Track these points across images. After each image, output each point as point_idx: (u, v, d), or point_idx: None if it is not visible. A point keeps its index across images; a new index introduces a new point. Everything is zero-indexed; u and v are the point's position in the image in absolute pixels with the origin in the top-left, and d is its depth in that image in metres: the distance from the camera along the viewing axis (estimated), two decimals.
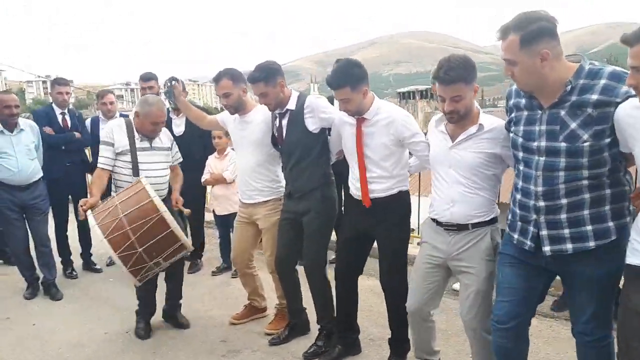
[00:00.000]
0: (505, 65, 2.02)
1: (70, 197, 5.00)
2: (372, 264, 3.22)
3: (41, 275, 4.55)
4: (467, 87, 2.28)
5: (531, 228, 2.12)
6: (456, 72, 2.25)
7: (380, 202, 2.83)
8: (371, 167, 2.83)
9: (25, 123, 4.48)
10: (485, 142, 2.36)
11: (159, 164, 3.55)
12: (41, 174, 4.48)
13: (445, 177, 2.46)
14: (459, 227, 2.44)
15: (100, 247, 5.29)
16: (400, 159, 2.83)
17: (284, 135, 3.17)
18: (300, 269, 3.35)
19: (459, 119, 2.36)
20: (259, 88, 3.04)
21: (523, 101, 2.13)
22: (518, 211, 2.16)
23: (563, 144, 1.96)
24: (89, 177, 5.30)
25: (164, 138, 3.63)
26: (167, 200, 3.48)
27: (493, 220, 2.44)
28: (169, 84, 3.66)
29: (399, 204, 2.87)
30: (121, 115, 5.03)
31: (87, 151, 5.28)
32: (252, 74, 3.06)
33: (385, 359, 3.07)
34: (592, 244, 2.00)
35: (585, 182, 1.97)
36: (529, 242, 2.13)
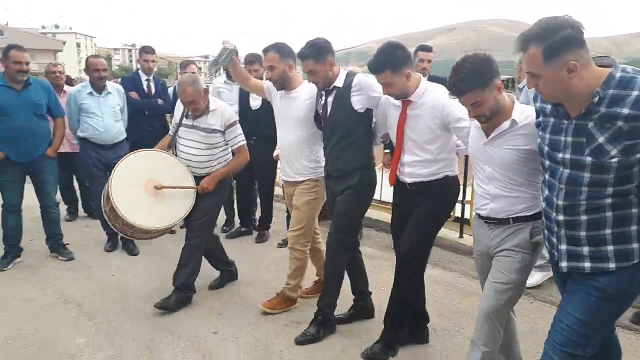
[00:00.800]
0: (528, 77, 1.87)
1: None
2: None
3: None
4: (484, 91, 2.14)
5: (554, 240, 2.00)
6: (465, 83, 2.14)
7: (424, 186, 2.77)
8: (416, 151, 2.76)
9: (113, 86, 4.77)
10: (521, 137, 2.21)
11: (194, 142, 3.58)
12: (125, 136, 4.77)
13: (483, 173, 2.37)
14: (499, 222, 2.36)
15: None
16: (447, 143, 2.74)
17: (328, 112, 3.11)
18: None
19: (488, 120, 2.24)
20: (308, 65, 3.00)
21: (549, 107, 1.96)
22: (545, 220, 2.06)
23: (589, 159, 1.79)
24: None
25: (214, 119, 3.55)
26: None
27: (537, 215, 2.28)
28: (229, 55, 3.33)
29: (444, 188, 2.79)
30: None
31: (168, 118, 5.53)
32: (302, 50, 3.01)
33: (450, 350, 3.05)
34: (612, 265, 1.85)
35: (609, 200, 1.81)
36: (556, 253, 2.01)
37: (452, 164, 2.82)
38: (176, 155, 3.71)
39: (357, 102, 2.99)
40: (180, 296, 3.59)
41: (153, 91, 5.12)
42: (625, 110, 1.69)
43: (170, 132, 3.84)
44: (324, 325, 3.22)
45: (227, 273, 4.06)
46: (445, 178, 2.78)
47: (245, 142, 3.67)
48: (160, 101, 5.12)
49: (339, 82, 3.05)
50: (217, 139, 3.57)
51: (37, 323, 3.37)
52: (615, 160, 1.74)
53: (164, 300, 3.53)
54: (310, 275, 3.81)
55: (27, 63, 4.20)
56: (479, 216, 2.45)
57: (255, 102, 4.78)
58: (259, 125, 4.72)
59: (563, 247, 1.94)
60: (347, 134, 3.03)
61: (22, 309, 3.58)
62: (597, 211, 1.84)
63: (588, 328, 1.91)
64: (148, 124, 5.08)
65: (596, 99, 1.73)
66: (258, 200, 5.39)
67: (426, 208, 2.79)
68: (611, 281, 1.86)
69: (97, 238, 5.03)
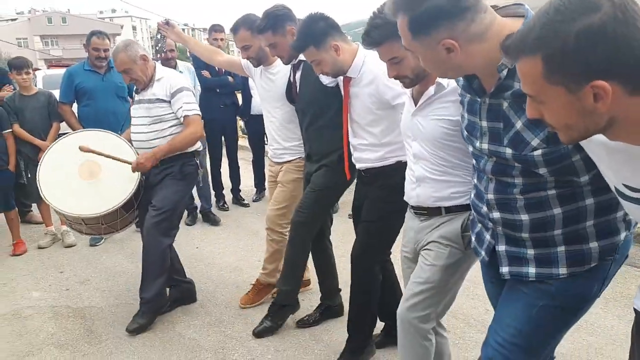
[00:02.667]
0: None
1: (223, 137, 5.43)
2: None
3: (199, 205, 5.08)
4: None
5: (487, 236, 1.58)
6: (381, 30, 1.75)
7: (375, 173, 2.40)
8: (361, 133, 2.41)
9: (184, 66, 4.93)
10: (450, 105, 1.78)
11: (140, 119, 3.09)
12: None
13: (411, 151, 1.95)
14: (430, 212, 1.94)
15: (248, 184, 5.87)
16: (393, 124, 2.28)
17: (297, 89, 2.84)
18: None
19: (413, 84, 1.87)
20: (267, 38, 2.71)
21: (461, 80, 1.53)
22: (474, 214, 1.64)
23: (509, 150, 1.36)
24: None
25: (158, 88, 3.02)
26: (163, 162, 3.02)
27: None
28: (160, 27, 3.31)
29: (395, 174, 2.26)
30: None
31: (238, 94, 5.64)
32: (258, 23, 2.74)
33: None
34: (563, 270, 1.42)
35: (552, 192, 1.37)
36: (483, 253, 1.61)
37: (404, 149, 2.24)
38: None
39: (326, 78, 2.56)
40: (147, 307, 3.08)
41: (223, 69, 5.22)
42: None
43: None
44: (283, 310, 2.95)
45: (180, 290, 3.35)
46: (398, 163, 2.30)
47: (196, 112, 3.04)
48: (230, 78, 5.21)
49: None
50: (162, 110, 3.01)
51: (135, 293, 3.55)
52: (539, 152, 1.29)
53: (132, 322, 3.04)
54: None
55: (106, 50, 4.41)
56: (410, 207, 2.06)
57: None
58: None
59: (502, 248, 1.52)
60: (320, 112, 2.71)
61: (121, 280, 3.82)
62: (538, 208, 1.40)
63: (531, 341, 1.49)
64: (220, 101, 5.21)
65: (504, 72, 1.30)
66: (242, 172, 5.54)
67: (375, 196, 2.42)
68: (566, 286, 1.43)
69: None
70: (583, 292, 1.43)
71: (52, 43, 61.50)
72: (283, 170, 3.11)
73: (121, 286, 3.70)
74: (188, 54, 6.29)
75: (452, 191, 1.87)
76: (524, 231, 1.44)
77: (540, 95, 1.00)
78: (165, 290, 3.19)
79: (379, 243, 2.48)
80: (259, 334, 2.92)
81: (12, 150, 4.34)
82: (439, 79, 1.80)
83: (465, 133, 1.55)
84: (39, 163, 3.10)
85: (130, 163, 2.97)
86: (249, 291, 3.34)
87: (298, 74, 2.84)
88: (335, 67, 2.34)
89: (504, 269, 1.52)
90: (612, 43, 0.88)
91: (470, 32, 1.28)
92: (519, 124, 1.32)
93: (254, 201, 5.69)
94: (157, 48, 3.59)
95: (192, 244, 4.49)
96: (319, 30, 2.30)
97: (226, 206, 5.49)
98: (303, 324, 3.05)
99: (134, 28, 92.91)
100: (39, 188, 3.01)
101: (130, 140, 3.18)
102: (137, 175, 3.02)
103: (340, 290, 3.14)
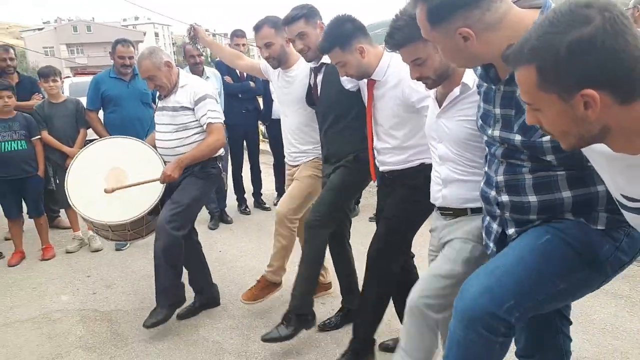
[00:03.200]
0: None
1: (245, 142, 5.49)
2: None
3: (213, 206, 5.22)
4: (427, 45, 1.75)
5: (495, 226, 1.61)
6: (403, 32, 1.78)
7: (398, 175, 2.41)
8: (384, 137, 2.42)
9: (211, 72, 5.02)
10: (474, 105, 1.77)
11: (164, 126, 3.11)
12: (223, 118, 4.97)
13: (435, 152, 1.99)
14: (456, 213, 1.96)
15: (269, 187, 5.92)
16: (417, 127, 2.28)
17: (319, 92, 2.82)
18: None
19: (435, 84, 1.91)
20: (298, 27, 2.66)
21: (479, 69, 1.57)
22: (482, 203, 1.68)
23: (518, 137, 1.40)
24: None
25: (182, 96, 3.04)
26: (186, 167, 3.02)
27: None
28: (189, 31, 3.47)
29: (419, 175, 2.29)
30: None
31: (260, 99, 5.69)
32: (287, 14, 2.70)
33: None
34: (571, 218, 1.42)
35: (561, 173, 1.39)
36: (491, 245, 1.63)
37: (429, 151, 2.28)
38: None
39: (348, 80, 2.60)
40: (164, 301, 3.04)
41: (245, 75, 5.28)
42: None
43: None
44: (298, 320, 2.79)
45: (205, 297, 3.38)
46: (421, 165, 2.33)
47: (219, 120, 3.06)
48: (252, 84, 5.27)
49: (327, 58, 2.66)
50: (186, 118, 3.02)
51: None
52: (547, 139, 1.33)
53: (149, 318, 3.01)
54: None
55: (131, 57, 4.50)
56: (436, 208, 2.08)
57: None
58: None
59: (512, 230, 1.53)
60: (341, 115, 2.71)
61: (144, 284, 3.87)
62: (547, 189, 1.41)
63: (530, 273, 1.38)
64: (242, 106, 5.28)
65: None
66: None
67: (398, 195, 2.42)
68: (575, 226, 1.39)
69: (200, 217, 5.32)
70: (592, 241, 1.38)
71: (78, 51, 62.91)
72: (300, 168, 3.09)
73: (146, 289, 3.76)
74: (210, 59, 6.40)
75: (478, 192, 1.85)
76: (532, 213, 1.45)
77: (536, 103, 1.06)
78: (181, 283, 3.13)
79: (398, 240, 2.43)
80: (266, 340, 2.77)
81: (41, 157, 4.46)
82: (464, 80, 1.83)
83: (480, 122, 1.60)
84: (67, 170, 3.17)
85: (157, 180, 2.99)
86: (252, 287, 3.23)
87: (319, 77, 2.83)
88: (360, 69, 2.36)
89: (511, 230, 1.51)
90: (601, 54, 0.94)
91: (485, 20, 1.34)
92: None
93: (275, 205, 5.72)
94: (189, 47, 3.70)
95: (215, 248, 4.54)
96: (346, 32, 2.31)
97: (248, 210, 5.55)
98: (324, 327, 3.05)
99: (156, 35, 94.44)
100: (67, 195, 3.06)
101: (154, 146, 3.23)
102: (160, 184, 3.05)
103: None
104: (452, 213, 1.96)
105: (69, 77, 11.19)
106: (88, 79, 5.07)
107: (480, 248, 1.86)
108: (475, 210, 1.89)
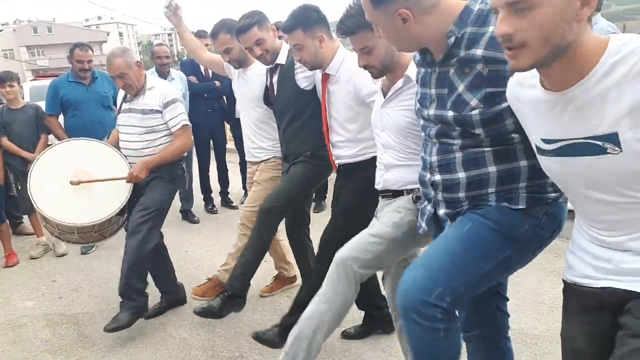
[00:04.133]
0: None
1: (211, 141, 5.53)
2: None
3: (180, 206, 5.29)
4: (374, 34, 1.85)
5: (429, 207, 1.73)
6: (354, 19, 1.89)
7: (351, 168, 2.53)
8: (338, 130, 2.54)
9: (176, 73, 5.05)
10: (414, 96, 1.87)
11: (130, 128, 3.13)
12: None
13: (379, 141, 2.13)
14: (394, 194, 2.12)
15: (236, 186, 5.97)
16: (368, 121, 2.34)
17: (275, 92, 2.93)
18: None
19: (380, 74, 2.04)
20: (254, 35, 2.75)
21: (417, 56, 1.68)
22: (419, 187, 1.80)
23: (450, 113, 1.52)
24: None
25: (150, 98, 3.07)
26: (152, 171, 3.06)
27: None
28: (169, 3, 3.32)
29: (370, 168, 2.34)
30: None
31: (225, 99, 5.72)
32: (239, 25, 2.77)
33: None
34: (492, 204, 1.54)
35: (488, 149, 1.51)
36: (423, 224, 1.76)
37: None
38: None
39: (303, 80, 2.74)
40: (127, 307, 3.03)
41: (210, 74, 5.31)
42: (480, 51, 1.44)
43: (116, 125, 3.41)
44: (231, 301, 2.87)
45: (171, 297, 3.44)
46: (373, 158, 2.36)
47: (187, 123, 3.13)
48: (217, 83, 5.31)
49: (281, 59, 2.84)
50: (155, 121, 3.07)
51: None
52: (476, 112, 1.46)
53: (112, 322, 3.00)
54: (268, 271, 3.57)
55: (89, 61, 4.50)
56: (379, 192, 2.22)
57: None
58: None
59: (442, 211, 1.65)
60: (298, 114, 2.80)
61: (111, 285, 3.86)
62: (475, 165, 1.54)
63: (455, 259, 1.50)
64: (207, 106, 5.32)
65: (451, 39, 1.48)
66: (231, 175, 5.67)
67: (352, 186, 2.53)
68: (495, 210, 1.52)
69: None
70: (513, 222, 1.50)
71: (39, 53, 61.19)
72: (259, 169, 3.20)
73: (113, 292, 3.74)
74: (177, 58, 6.39)
75: (415, 176, 1.97)
76: (460, 190, 1.57)
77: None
78: (144, 290, 3.13)
79: (352, 229, 2.40)
80: (198, 313, 2.87)
81: (0, 164, 4.41)
82: (407, 72, 1.97)
83: (418, 106, 1.70)
84: (29, 173, 3.12)
85: (123, 178, 3.03)
86: (202, 284, 3.35)
87: (275, 78, 2.92)
88: (316, 58, 2.46)
89: (441, 211, 1.65)
90: None
91: (423, 3, 1.47)
92: (460, 87, 1.50)
93: (242, 203, 5.77)
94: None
95: (182, 248, 4.57)
96: (311, 17, 2.43)
97: (215, 209, 5.59)
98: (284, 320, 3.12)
99: (120, 35, 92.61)
100: (32, 198, 3.01)
101: (116, 147, 3.24)
102: (128, 184, 3.07)
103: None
104: (392, 194, 2.12)
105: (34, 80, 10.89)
106: (49, 82, 5.02)
107: (410, 216, 2.01)
108: (411, 192, 2.06)
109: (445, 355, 1.55)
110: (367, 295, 2.65)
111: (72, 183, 3.01)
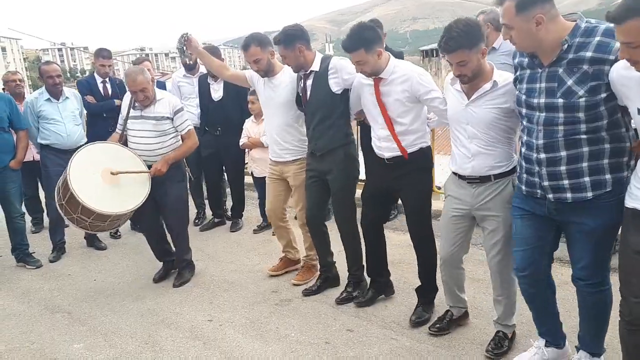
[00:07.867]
0: (503, 29, 2.14)
1: None
2: (403, 221, 3.39)
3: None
4: (471, 52, 2.37)
5: (536, 179, 2.25)
6: (456, 41, 2.36)
7: (401, 159, 3.00)
8: (392, 124, 2.97)
9: (70, 92, 4.74)
10: (500, 97, 2.47)
11: (145, 132, 3.77)
12: (85, 139, 4.71)
13: (464, 133, 2.59)
14: (482, 179, 2.60)
15: None
16: (419, 114, 2.97)
17: (308, 95, 3.33)
18: (329, 225, 3.63)
19: (470, 81, 2.48)
20: (280, 50, 3.26)
21: (526, 60, 2.24)
22: (524, 164, 2.30)
23: (560, 100, 2.07)
24: None
25: (162, 107, 3.76)
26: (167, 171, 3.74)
27: (513, 170, 2.56)
28: (182, 39, 3.65)
29: (420, 159, 3.02)
30: (157, 83, 5.19)
31: None
32: (275, 37, 3.26)
33: (414, 305, 3.27)
34: (589, 194, 2.13)
35: (583, 136, 2.08)
36: (539, 191, 2.27)
37: (425, 136, 3.06)
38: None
39: (334, 84, 3.23)
40: (188, 266, 4.03)
41: (110, 92, 5.07)
42: (589, 54, 1.99)
43: (117, 129, 3.98)
44: (358, 285, 3.53)
45: (169, 264, 4.16)
46: (419, 151, 3.01)
47: (192, 126, 3.92)
48: (117, 102, 5.04)
49: (316, 66, 3.28)
50: (167, 125, 3.78)
51: (30, 335, 3.37)
52: (583, 99, 2.02)
53: (177, 278, 3.97)
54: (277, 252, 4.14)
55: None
56: (459, 177, 2.69)
57: (216, 93, 4.86)
58: (223, 115, 4.83)
59: (546, 183, 2.21)
60: (328, 114, 3.27)
61: (11, 323, 3.57)
62: (574, 146, 2.11)
63: (598, 257, 2.24)
64: (107, 125, 5.00)
65: (565, 46, 2.04)
66: (228, 190, 5.50)
67: (416, 177, 3.04)
68: (596, 222, 2.16)
69: (68, 246, 4.98)
70: (607, 220, 2.15)
71: None
72: (291, 174, 3.65)
73: (13, 330, 3.45)
74: (70, 75, 6.01)
75: (497, 161, 2.56)
76: (562, 164, 2.14)
77: None
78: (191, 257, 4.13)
79: (428, 212, 3.13)
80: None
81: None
82: (495, 78, 2.47)
83: (524, 97, 2.22)
84: (68, 177, 3.45)
85: (148, 172, 3.70)
86: (300, 270, 3.92)
87: (309, 82, 3.32)
88: (375, 68, 2.90)
89: (550, 195, 2.22)
90: None
91: (552, 13, 2.03)
92: (569, 82, 2.05)
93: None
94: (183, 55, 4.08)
95: (89, 277, 4.29)
96: (371, 37, 2.85)
97: (118, 234, 5.28)
98: (308, 292, 3.63)
99: (3, 50, 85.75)
100: (78, 198, 3.41)
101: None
102: (147, 178, 3.70)
103: (334, 262, 3.73)
104: (479, 180, 2.60)
105: None
106: None
107: (508, 216, 2.55)
108: (497, 176, 2.57)
109: None
110: (377, 268, 3.40)
111: (112, 174, 3.59)
